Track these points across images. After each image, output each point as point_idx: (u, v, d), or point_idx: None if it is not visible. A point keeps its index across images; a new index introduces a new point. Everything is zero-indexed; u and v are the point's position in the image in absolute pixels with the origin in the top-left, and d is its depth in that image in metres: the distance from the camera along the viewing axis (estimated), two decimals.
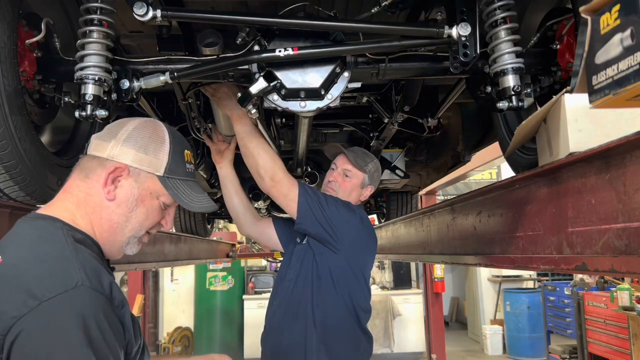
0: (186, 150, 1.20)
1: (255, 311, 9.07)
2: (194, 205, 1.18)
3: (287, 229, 2.30)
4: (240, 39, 1.72)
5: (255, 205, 4.58)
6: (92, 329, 0.90)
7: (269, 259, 8.59)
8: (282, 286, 2.15)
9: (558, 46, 1.74)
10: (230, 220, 6.90)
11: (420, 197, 6.21)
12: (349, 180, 2.19)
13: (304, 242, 2.13)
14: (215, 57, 1.76)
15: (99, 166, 1.10)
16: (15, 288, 0.90)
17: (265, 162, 1.98)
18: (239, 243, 8.45)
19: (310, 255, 2.07)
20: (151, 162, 1.12)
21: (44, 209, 1.10)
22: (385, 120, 2.69)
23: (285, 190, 2.00)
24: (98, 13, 1.53)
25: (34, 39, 1.61)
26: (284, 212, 2.13)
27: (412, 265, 10.25)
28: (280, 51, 1.64)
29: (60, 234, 1.00)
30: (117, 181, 1.10)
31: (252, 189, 4.20)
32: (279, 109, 1.78)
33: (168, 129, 1.18)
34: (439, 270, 7.98)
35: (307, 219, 1.99)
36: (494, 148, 2.72)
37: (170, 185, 1.14)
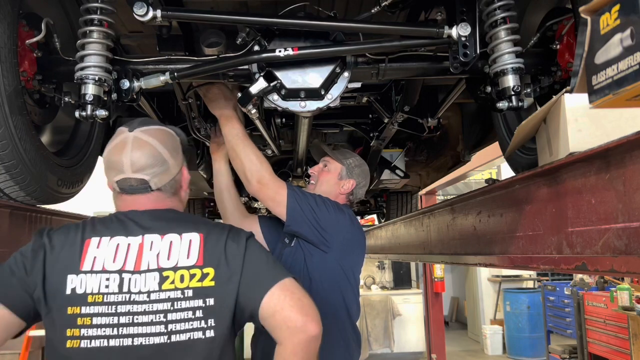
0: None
1: None
2: None
3: (273, 229, 2.28)
4: (240, 39, 1.72)
5: (255, 205, 4.56)
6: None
7: None
8: None
9: (558, 46, 1.74)
10: None
11: (420, 197, 6.20)
12: (326, 170, 2.20)
13: (292, 245, 2.11)
14: (215, 57, 1.76)
15: None
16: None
17: (251, 165, 1.96)
18: None
19: (300, 257, 2.06)
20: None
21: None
22: (385, 120, 2.69)
23: (272, 193, 1.98)
24: (98, 13, 1.53)
25: (34, 39, 1.61)
26: None
27: (412, 265, 10.24)
28: (280, 51, 1.64)
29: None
30: None
31: None
32: (279, 109, 1.78)
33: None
34: (439, 270, 7.98)
35: (297, 221, 1.98)
36: (494, 148, 2.72)
37: None
